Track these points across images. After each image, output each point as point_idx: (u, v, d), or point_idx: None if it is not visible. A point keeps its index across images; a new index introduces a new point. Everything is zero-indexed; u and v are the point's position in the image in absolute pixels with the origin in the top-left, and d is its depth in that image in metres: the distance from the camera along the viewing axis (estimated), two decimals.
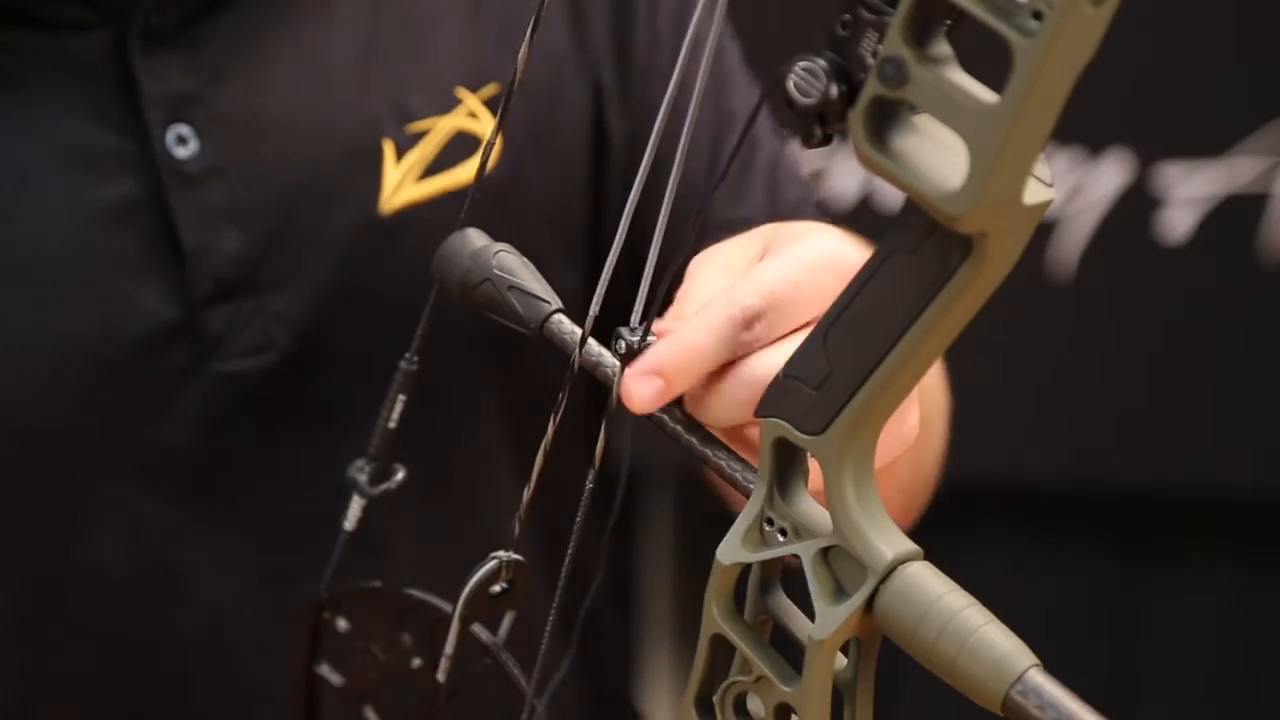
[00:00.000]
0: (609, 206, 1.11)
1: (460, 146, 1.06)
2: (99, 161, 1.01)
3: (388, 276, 1.04)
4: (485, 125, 1.07)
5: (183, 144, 1.01)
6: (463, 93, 1.07)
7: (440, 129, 1.06)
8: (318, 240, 1.04)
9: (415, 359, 0.81)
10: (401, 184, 1.04)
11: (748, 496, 0.73)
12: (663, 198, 0.73)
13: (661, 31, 1.11)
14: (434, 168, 1.05)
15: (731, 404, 0.74)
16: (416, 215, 1.05)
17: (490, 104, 1.07)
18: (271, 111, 1.03)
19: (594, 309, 0.77)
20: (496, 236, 0.81)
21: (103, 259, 1.01)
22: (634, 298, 0.75)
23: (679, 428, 0.77)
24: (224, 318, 1.02)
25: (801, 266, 0.75)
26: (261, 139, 1.03)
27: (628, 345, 0.75)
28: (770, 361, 0.74)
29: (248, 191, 1.02)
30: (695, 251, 0.77)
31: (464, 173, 1.06)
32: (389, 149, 1.05)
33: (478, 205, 1.02)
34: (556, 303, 0.77)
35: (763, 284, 0.75)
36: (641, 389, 0.73)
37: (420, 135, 1.06)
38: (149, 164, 1.01)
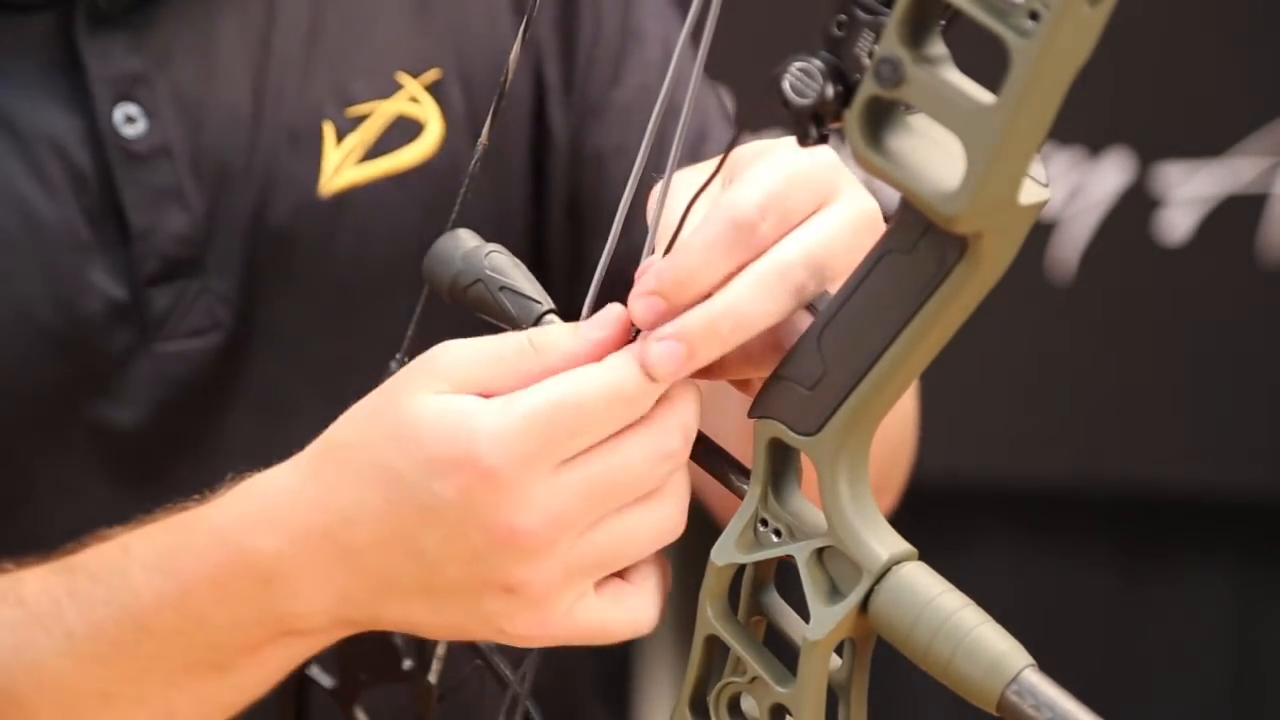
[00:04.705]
0: (551, 201, 1.11)
1: (401, 131, 1.07)
2: (48, 137, 1.02)
3: (327, 258, 1.05)
4: (426, 110, 1.07)
5: (131, 123, 1.02)
6: (404, 78, 1.07)
7: (381, 113, 1.07)
8: (260, 222, 1.04)
9: (405, 359, 0.80)
10: (341, 166, 1.05)
11: (740, 498, 0.73)
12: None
13: (605, 26, 1.11)
14: (374, 151, 1.06)
15: (771, 294, 0.72)
16: (356, 198, 1.06)
17: (432, 89, 1.07)
18: (217, 95, 1.04)
19: (587, 309, 0.77)
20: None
21: (52, 232, 1.01)
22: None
23: None
24: (168, 298, 1.03)
25: (781, 169, 0.73)
26: (207, 121, 1.04)
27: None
28: (799, 241, 0.72)
29: (193, 173, 1.03)
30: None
31: (404, 157, 1.06)
32: (329, 131, 1.06)
33: (418, 190, 1.03)
34: (548, 303, 0.77)
35: (756, 186, 0.73)
36: (640, 309, 0.72)
37: (361, 119, 1.06)
38: (96, 142, 1.02)
